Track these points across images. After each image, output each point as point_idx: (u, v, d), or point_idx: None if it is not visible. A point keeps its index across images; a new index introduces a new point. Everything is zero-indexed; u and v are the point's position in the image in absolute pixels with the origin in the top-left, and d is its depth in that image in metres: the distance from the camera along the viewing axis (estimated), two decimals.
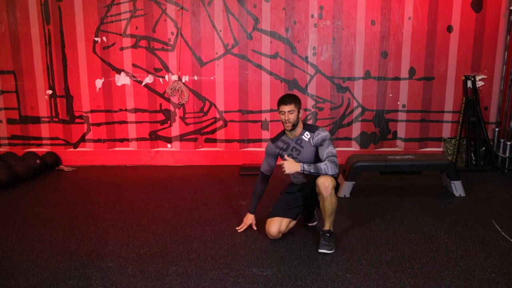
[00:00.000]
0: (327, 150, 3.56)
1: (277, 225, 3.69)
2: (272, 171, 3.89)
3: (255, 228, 3.93)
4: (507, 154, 5.73)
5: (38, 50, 5.92)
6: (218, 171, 5.90)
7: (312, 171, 3.49)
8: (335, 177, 3.51)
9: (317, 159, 3.62)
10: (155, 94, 6.05)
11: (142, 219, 4.24)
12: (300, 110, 3.67)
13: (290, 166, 3.54)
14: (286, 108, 3.59)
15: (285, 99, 3.65)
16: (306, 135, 3.68)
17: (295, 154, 3.69)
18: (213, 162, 6.19)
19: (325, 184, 3.43)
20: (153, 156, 6.22)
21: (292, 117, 3.59)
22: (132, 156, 6.22)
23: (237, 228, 3.95)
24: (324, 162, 3.50)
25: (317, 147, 3.62)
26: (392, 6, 5.77)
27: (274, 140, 3.85)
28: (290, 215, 3.76)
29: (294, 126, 3.64)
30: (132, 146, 6.22)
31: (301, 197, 3.80)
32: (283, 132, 3.81)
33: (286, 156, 3.60)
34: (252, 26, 5.86)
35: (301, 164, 3.53)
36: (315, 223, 4.10)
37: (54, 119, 6.12)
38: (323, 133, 3.63)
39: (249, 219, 3.95)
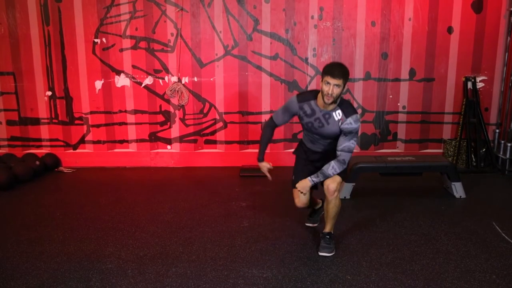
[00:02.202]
0: (346, 143, 3.38)
1: (298, 199, 3.68)
2: (283, 124, 3.73)
3: (271, 167, 3.77)
4: (508, 156, 5.72)
5: (38, 51, 5.91)
6: (218, 172, 5.89)
7: (321, 179, 3.45)
8: (344, 168, 3.45)
9: (336, 140, 3.44)
10: (155, 95, 6.04)
11: (142, 221, 4.23)
12: (346, 86, 3.33)
13: (303, 186, 3.51)
14: (333, 81, 3.22)
15: (335, 71, 3.24)
16: (338, 114, 3.39)
17: (317, 125, 3.44)
18: (213, 164, 6.18)
19: (330, 188, 3.44)
20: (153, 157, 6.21)
21: (337, 92, 3.24)
22: (132, 157, 6.21)
23: (268, 177, 3.77)
24: (332, 166, 3.38)
25: (341, 131, 3.40)
26: (392, 7, 5.77)
27: (301, 99, 3.49)
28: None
29: (334, 101, 3.32)
30: (132, 148, 6.21)
31: (312, 168, 3.67)
32: (313, 96, 3.45)
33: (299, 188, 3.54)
34: (252, 27, 5.86)
35: (309, 178, 3.47)
36: (315, 224, 4.08)
37: (54, 120, 6.11)
38: (354, 125, 3.36)
39: (265, 165, 3.77)
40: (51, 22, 5.83)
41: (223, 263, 3.39)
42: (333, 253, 3.52)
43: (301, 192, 3.56)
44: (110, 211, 4.49)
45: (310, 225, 4.09)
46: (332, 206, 3.51)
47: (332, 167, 3.39)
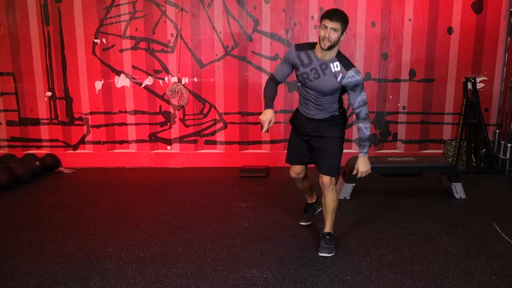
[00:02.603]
0: (359, 98, 3.33)
1: (291, 171, 3.79)
2: (284, 79, 3.56)
3: (271, 124, 3.42)
4: (508, 156, 5.72)
5: (38, 52, 5.91)
6: (218, 173, 5.89)
7: (368, 146, 3.49)
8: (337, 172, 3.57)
9: (333, 93, 3.38)
10: (155, 96, 6.04)
11: (142, 221, 4.23)
12: (345, 33, 3.25)
13: (364, 164, 3.50)
14: (330, 24, 3.14)
15: (332, 14, 3.20)
16: (336, 66, 3.28)
17: (313, 76, 3.33)
18: (213, 164, 6.17)
19: (324, 181, 3.52)
20: (153, 158, 6.20)
21: (334, 36, 3.16)
22: (132, 158, 6.20)
23: (263, 131, 3.41)
24: (362, 127, 3.41)
25: (344, 87, 3.33)
26: (392, 7, 5.77)
27: (299, 47, 3.39)
28: (298, 162, 3.74)
29: (331, 47, 3.21)
30: (132, 148, 6.21)
31: (305, 146, 3.67)
32: (312, 46, 3.36)
33: (358, 170, 3.51)
34: (252, 28, 5.86)
35: (365, 154, 3.48)
36: (309, 223, 4.09)
37: (54, 121, 6.11)
38: (357, 77, 3.27)
39: (268, 113, 3.40)
40: (51, 22, 5.83)
41: (223, 264, 3.39)
42: (333, 254, 3.52)
43: (361, 175, 3.54)
44: (110, 211, 4.49)
45: (304, 223, 4.09)
46: (329, 199, 3.54)
47: (364, 127, 3.42)
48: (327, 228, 3.61)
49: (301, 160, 3.73)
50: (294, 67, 3.43)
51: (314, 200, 4.12)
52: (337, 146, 3.56)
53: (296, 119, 3.68)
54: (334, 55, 3.29)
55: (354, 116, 5.94)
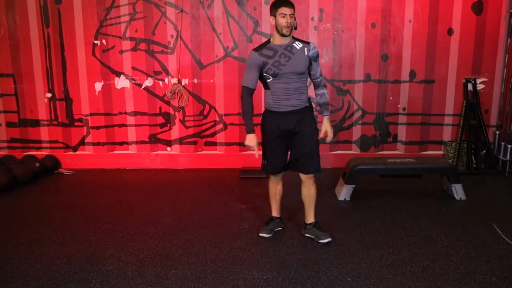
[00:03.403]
0: (319, 68, 3.71)
1: (271, 177, 3.92)
2: (256, 84, 3.67)
3: (257, 149, 3.67)
4: (508, 157, 5.72)
5: (38, 53, 5.91)
6: (218, 174, 5.88)
7: (327, 109, 3.78)
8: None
9: (304, 71, 3.61)
10: (155, 97, 6.04)
11: (142, 223, 4.23)
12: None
13: (331, 127, 3.76)
14: (289, 11, 3.46)
15: (287, 2, 3.50)
16: (298, 44, 3.59)
17: (284, 60, 3.53)
18: (213, 165, 6.17)
19: (310, 178, 3.76)
20: (153, 159, 6.20)
21: (292, 21, 3.49)
22: (132, 159, 6.20)
23: (255, 154, 3.67)
24: (323, 92, 3.73)
25: (310, 59, 3.60)
26: (392, 8, 5.77)
27: (257, 49, 3.61)
28: (281, 170, 3.84)
29: (291, 32, 3.54)
30: (132, 149, 6.21)
31: (284, 151, 3.79)
32: (268, 41, 3.65)
33: (326, 135, 3.75)
34: (252, 29, 5.86)
35: (327, 117, 3.76)
36: (270, 235, 3.91)
37: (54, 122, 6.11)
38: (317, 49, 3.67)
39: (254, 138, 3.66)
40: (51, 24, 5.83)
41: (223, 265, 3.38)
42: (331, 238, 3.75)
43: (329, 140, 3.80)
44: (110, 213, 4.49)
45: (266, 235, 3.89)
46: (313, 190, 3.78)
47: (326, 93, 3.76)
48: (313, 218, 3.87)
49: (280, 167, 3.82)
50: (260, 68, 3.59)
51: (278, 216, 4.06)
52: (316, 144, 3.74)
53: (272, 123, 3.69)
54: (291, 38, 3.60)
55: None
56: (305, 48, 3.58)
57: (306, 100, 3.67)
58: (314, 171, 3.71)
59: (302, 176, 3.74)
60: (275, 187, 3.95)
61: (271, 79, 3.58)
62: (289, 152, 3.81)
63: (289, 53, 3.54)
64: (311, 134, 3.67)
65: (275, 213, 4.06)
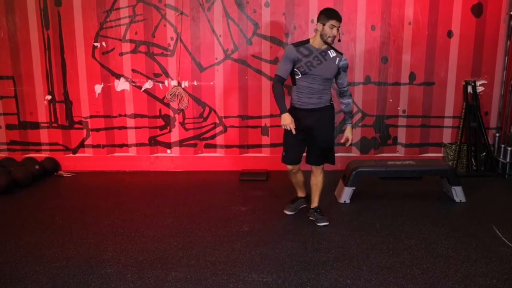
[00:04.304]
0: (346, 78, 4.11)
1: (288, 166, 4.25)
2: (288, 76, 3.99)
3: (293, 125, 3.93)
4: (508, 160, 5.71)
5: (37, 55, 5.91)
6: (218, 176, 5.88)
7: (351, 118, 4.22)
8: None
9: (332, 77, 3.99)
10: (155, 99, 6.04)
11: (141, 225, 4.22)
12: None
13: (352, 133, 4.19)
14: (338, 24, 3.82)
15: (338, 15, 3.83)
16: (332, 53, 3.96)
17: (315, 63, 3.89)
18: (212, 168, 6.17)
19: (321, 168, 4.21)
20: (153, 161, 6.20)
21: (337, 33, 3.86)
22: (132, 161, 6.20)
23: (293, 131, 3.92)
24: (348, 102, 4.16)
25: (339, 69, 3.99)
26: (392, 11, 5.77)
27: (297, 45, 3.96)
28: (296, 161, 4.22)
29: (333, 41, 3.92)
30: (132, 152, 6.21)
31: (301, 143, 4.15)
32: (307, 41, 3.99)
33: (345, 140, 4.20)
34: (252, 31, 5.86)
35: (350, 125, 4.18)
36: (293, 212, 4.43)
37: (53, 124, 6.11)
38: (347, 61, 4.03)
39: (288, 117, 3.93)
40: (50, 26, 5.83)
41: (223, 268, 3.38)
42: (328, 222, 4.11)
43: (348, 143, 4.20)
44: (109, 215, 4.48)
45: (289, 212, 4.41)
46: (322, 178, 4.22)
47: (351, 102, 4.22)
48: (317, 203, 4.27)
49: (298, 158, 4.22)
50: (294, 62, 3.93)
51: (304, 195, 4.54)
52: (332, 141, 4.19)
53: (294, 117, 4.00)
54: (328, 45, 3.96)
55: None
56: (337, 58, 3.96)
57: (328, 100, 4.05)
58: (331, 162, 4.21)
59: (313, 167, 4.19)
60: (295, 177, 4.38)
61: (300, 76, 3.95)
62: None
63: (322, 58, 3.91)
64: (328, 131, 4.10)
65: (300, 193, 4.54)
